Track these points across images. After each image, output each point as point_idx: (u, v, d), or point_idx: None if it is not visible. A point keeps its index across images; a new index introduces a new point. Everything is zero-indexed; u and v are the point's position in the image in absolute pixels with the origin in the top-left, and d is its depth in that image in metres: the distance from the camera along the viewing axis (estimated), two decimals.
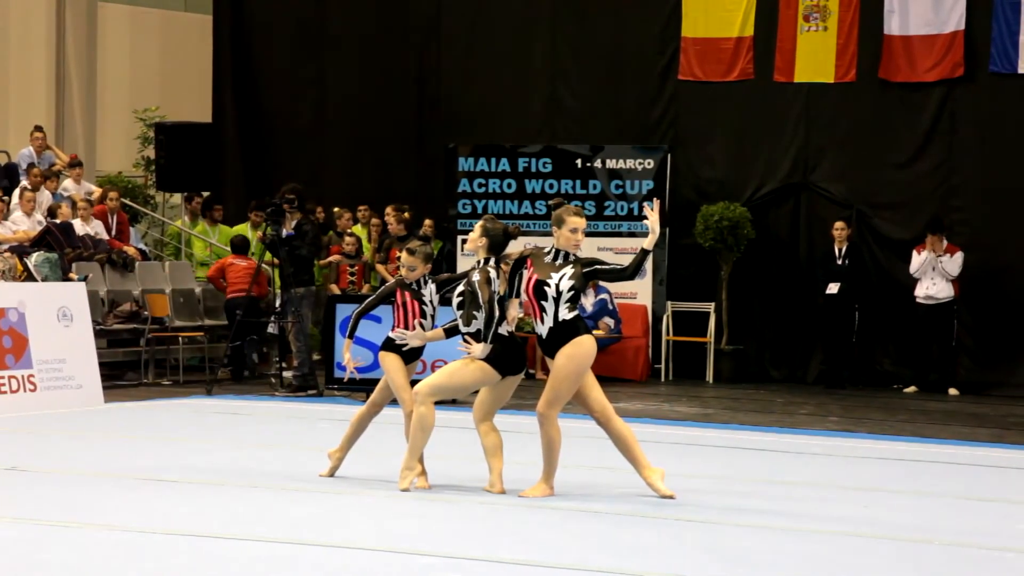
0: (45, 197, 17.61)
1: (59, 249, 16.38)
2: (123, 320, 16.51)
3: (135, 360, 16.73)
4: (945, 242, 16.95)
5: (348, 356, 9.41)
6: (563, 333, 8.66)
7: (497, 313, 8.76)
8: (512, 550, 7.23)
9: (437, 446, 9.66)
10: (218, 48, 21.75)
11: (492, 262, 8.89)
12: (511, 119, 19.69)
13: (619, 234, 18.38)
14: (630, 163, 18.50)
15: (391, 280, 9.60)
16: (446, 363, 10.09)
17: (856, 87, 17.98)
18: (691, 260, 18.55)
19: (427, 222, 18.44)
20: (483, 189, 18.89)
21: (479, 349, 8.76)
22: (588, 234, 9.36)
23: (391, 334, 9.25)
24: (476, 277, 8.80)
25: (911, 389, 17.15)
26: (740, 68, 18.50)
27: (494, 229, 8.91)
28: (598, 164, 18.59)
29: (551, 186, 18.64)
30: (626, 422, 8.95)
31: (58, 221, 16.83)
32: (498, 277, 8.82)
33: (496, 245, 8.91)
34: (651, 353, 18.36)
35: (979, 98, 17.46)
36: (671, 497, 8.76)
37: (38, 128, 19.10)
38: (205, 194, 20.43)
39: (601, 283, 17.28)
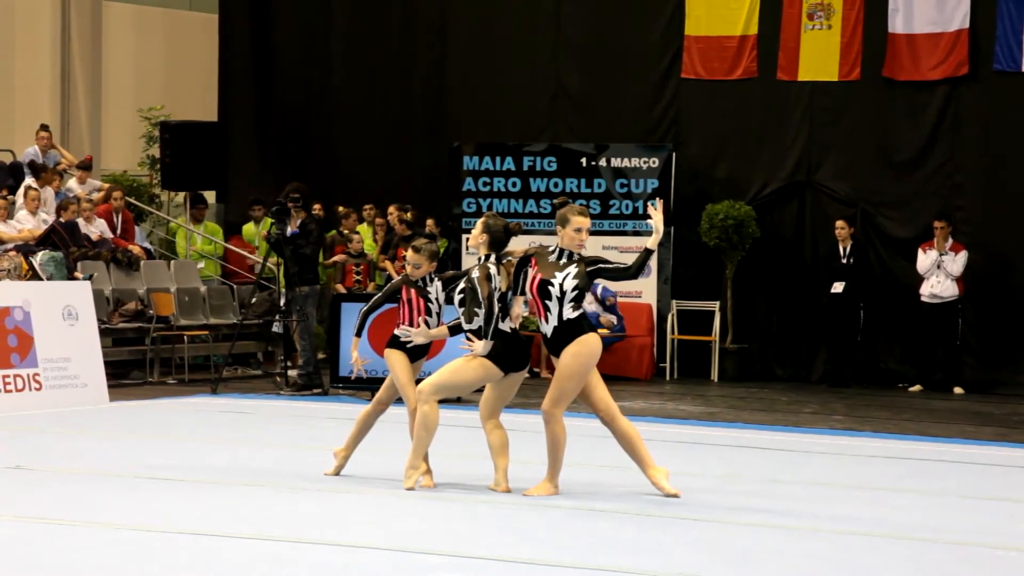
0: (49, 195, 17.62)
1: (64, 248, 16.40)
2: (128, 319, 16.52)
3: (140, 359, 16.74)
4: (951, 240, 16.94)
5: (356, 355, 9.42)
6: (567, 332, 8.67)
7: (497, 309, 8.76)
8: (516, 549, 7.24)
9: (442, 445, 9.67)
10: (224, 46, 21.76)
11: (493, 259, 8.90)
12: (516, 118, 19.67)
13: (624, 233, 18.36)
14: (635, 162, 18.49)
15: (397, 278, 9.61)
16: None
17: (860, 86, 17.97)
18: (696, 259, 18.54)
19: (429, 221, 18.42)
20: (488, 188, 18.89)
21: (480, 346, 8.76)
22: (593, 233, 9.38)
23: (396, 331, 9.26)
24: (476, 274, 8.81)
25: (916, 388, 17.13)
26: (744, 67, 18.48)
27: (495, 226, 8.92)
28: (603, 163, 18.58)
29: (556, 185, 18.63)
30: (631, 421, 8.96)
31: (63, 220, 16.85)
32: (499, 274, 8.83)
33: (497, 242, 8.92)
34: (656, 352, 18.35)
35: (983, 96, 17.43)
36: (676, 496, 8.77)
37: (44, 127, 19.09)
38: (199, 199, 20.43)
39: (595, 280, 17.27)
